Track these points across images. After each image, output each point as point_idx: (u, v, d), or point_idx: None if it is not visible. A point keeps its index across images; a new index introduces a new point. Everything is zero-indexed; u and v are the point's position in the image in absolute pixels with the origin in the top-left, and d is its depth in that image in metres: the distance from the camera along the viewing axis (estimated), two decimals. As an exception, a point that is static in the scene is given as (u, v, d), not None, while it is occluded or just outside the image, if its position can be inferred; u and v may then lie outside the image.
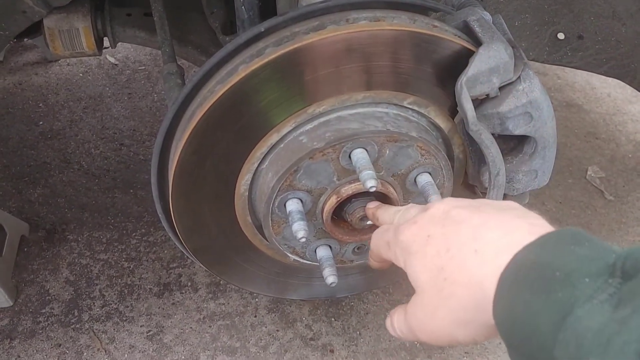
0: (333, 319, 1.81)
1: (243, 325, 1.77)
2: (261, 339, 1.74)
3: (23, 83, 2.60)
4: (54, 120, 2.42)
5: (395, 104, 1.01)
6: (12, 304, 1.77)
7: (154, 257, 1.94)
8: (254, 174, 1.02)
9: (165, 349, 1.70)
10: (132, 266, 1.90)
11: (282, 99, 0.96)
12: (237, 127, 0.96)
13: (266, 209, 0.98)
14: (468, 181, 1.13)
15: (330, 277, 0.99)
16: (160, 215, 1.11)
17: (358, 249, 1.08)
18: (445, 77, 0.99)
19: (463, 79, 0.94)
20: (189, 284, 1.87)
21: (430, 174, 1.03)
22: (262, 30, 0.96)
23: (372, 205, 0.96)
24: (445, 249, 0.61)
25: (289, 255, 1.07)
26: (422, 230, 0.66)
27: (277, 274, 1.20)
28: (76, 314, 1.77)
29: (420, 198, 1.04)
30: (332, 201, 1.00)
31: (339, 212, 1.05)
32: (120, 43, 1.71)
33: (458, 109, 0.98)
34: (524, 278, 0.51)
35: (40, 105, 2.49)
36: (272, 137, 0.98)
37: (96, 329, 1.73)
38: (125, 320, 1.76)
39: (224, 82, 0.94)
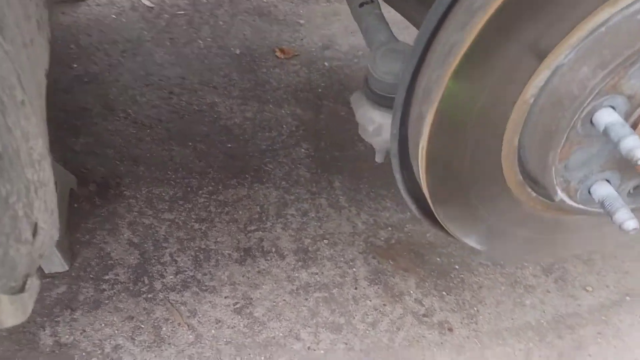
0: (445, 293, 1.56)
1: (344, 299, 1.51)
2: (367, 315, 1.48)
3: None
4: (89, 63, 2.09)
5: None
6: (67, 268, 1.46)
7: (227, 218, 1.65)
8: (546, 82, 0.73)
9: (259, 325, 1.43)
10: (203, 228, 1.61)
11: None
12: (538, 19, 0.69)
13: (568, 119, 0.71)
14: None
15: (629, 221, 0.73)
16: (393, 156, 0.83)
17: (635, 188, 0.82)
18: None
19: None
20: (273, 249, 1.59)
21: None
22: None
23: None
24: None
25: (558, 193, 0.80)
26: None
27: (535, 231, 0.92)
28: (146, 281, 1.47)
29: None
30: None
31: None
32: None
33: None
34: None
35: (72, 46, 2.15)
36: (595, 19, 0.70)
37: (173, 300, 1.44)
38: (206, 290, 1.48)
39: None
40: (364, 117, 0.93)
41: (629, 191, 0.83)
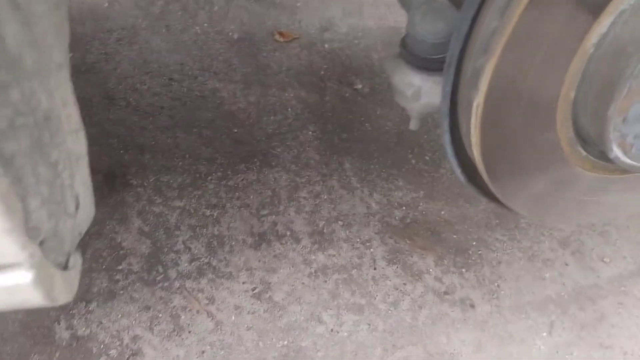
0: (464, 270, 1.54)
1: (363, 279, 1.48)
2: (388, 295, 1.46)
3: (39, 12, 2.20)
4: (86, 52, 2.04)
5: None
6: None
7: (238, 203, 1.62)
8: (609, 29, 0.70)
9: (279, 309, 1.40)
10: (215, 214, 1.58)
11: None
12: None
13: (632, 67, 0.68)
14: None
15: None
16: (443, 117, 0.79)
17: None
18: None
19: None
20: (288, 233, 1.56)
21: None
22: None
23: None
24: None
25: (613, 149, 0.77)
26: None
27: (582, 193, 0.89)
28: (161, 270, 1.44)
29: None
30: None
31: None
32: None
33: None
34: None
35: (66, 35, 2.09)
36: None
37: (189, 288, 1.41)
38: (223, 276, 1.44)
39: None
40: (402, 81, 0.90)
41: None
